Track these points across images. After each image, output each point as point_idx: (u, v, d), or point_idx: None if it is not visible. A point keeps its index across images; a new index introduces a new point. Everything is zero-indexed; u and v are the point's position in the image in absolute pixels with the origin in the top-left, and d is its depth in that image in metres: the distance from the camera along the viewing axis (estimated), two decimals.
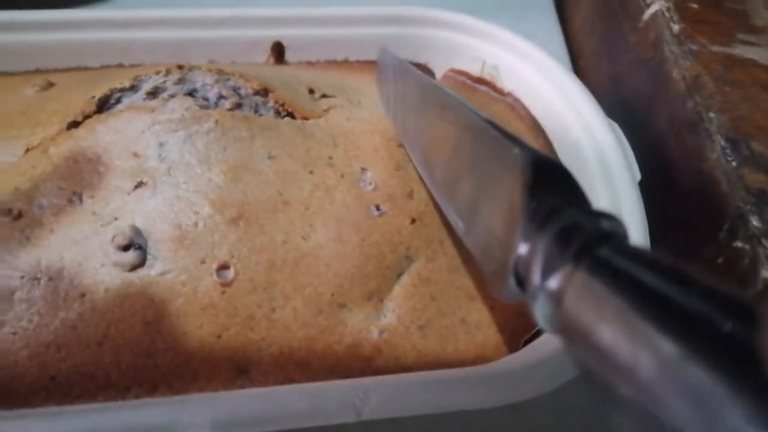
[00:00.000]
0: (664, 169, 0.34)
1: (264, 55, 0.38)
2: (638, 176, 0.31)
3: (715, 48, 0.35)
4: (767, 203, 0.27)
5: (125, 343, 0.25)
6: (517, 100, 0.37)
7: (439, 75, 0.39)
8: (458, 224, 0.23)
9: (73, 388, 0.25)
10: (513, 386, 0.24)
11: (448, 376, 0.24)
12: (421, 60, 0.39)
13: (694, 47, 0.35)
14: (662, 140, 0.35)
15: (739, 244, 0.27)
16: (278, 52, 0.37)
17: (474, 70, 0.38)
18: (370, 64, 0.38)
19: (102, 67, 0.37)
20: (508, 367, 0.25)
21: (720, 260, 0.28)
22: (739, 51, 0.35)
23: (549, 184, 0.16)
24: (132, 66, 0.37)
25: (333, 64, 0.38)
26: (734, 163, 0.28)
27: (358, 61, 0.38)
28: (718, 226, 0.29)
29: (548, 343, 0.27)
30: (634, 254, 0.13)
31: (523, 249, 0.16)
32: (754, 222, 0.27)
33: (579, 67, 0.47)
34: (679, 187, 0.32)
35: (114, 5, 0.45)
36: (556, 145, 0.34)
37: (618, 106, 0.41)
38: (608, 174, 0.31)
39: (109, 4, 0.45)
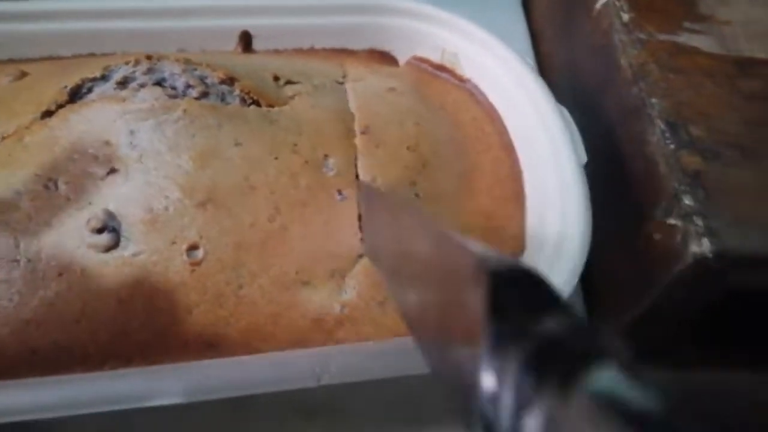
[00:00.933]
0: (612, 152, 0.36)
1: (232, 43, 0.39)
2: (584, 158, 0.33)
3: (662, 36, 0.37)
4: (701, 184, 0.30)
5: (101, 320, 0.27)
6: (475, 86, 0.38)
7: (402, 62, 0.41)
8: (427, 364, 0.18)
9: (53, 362, 0.27)
10: None
11: (400, 344, 0.27)
12: (385, 48, 0.40)
13: (642, 35, 0.37)
14: (611, 124, 0.37)
15: (672, 221, 0.29)
16: (246, 41, 0.39)
17: (435, 57, 0.40)
18: (336, 52, 0.40)
19: (73, 56, 0.38)
20: None
21: (657, 236, 0.31)
22: (685, 39, 0.37)
23: (515, 295, 0.13)
24: (103, 55, 0.38)
25: (300, 52, 0.40)
26: (672, 146, 0.30)
27: (324, 49, 0.40)
28: (655, 205, 0.31)
29: None
30: (636, 378, 0.11)
31: (488, 383, 0.12)
32: (687, 201, 0.29)
33: (540, 53, 0.49)
34: (624, 168, 0.35)
35: None
36: (510, 129, 0.36)
37: (574, 91, 0.43)
38: (557, 157, 0.33)
39: None
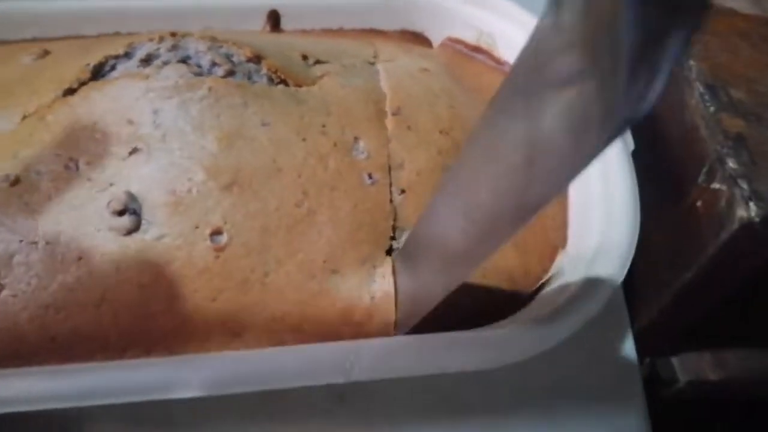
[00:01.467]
0: (651, 121, 0.34)
1: (260, 23, 0.38)
2: (631, 146, 0.31)
3: None
4: (744, 146, 0.28)
5: (122, 306, 0.26)
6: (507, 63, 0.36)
7: (435, 44, 0.39)
8: None
9: (73, 349, 0.26)
10: (498, 350, 0.24)
11: (435, 340, 0.25)
12: (417, 28, 0.39)
13: None
14: None
15: (716, 185, 0.28)
16: (274, 20, 0.37)
17: (471, 38, 0.38)
18: (365, 32, 0.38)
19: (98, 36, 0.37)
20: (494, 333, 0.25)
21: (699, 204, 0.29)
22: (720, 0, 0.35)
23: None
24: (128, 34, 0.37)
25: (328, 32, 0.38)
26: (712, 109, 0.29)
27: (353, 30, 0.38)
28: (698, 171, 0.29)
29: (538, 308, 0.28)
30: None
31: None
32: (731, 164, 0.27)
33: None
34: (665, 136, 0.33)
35: None
36: None
37: None
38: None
39: None
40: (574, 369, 0.32)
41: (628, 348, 0.33)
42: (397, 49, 0.36)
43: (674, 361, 0.40)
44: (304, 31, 0.38)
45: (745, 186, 0.27)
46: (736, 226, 0.27)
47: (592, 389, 0.32)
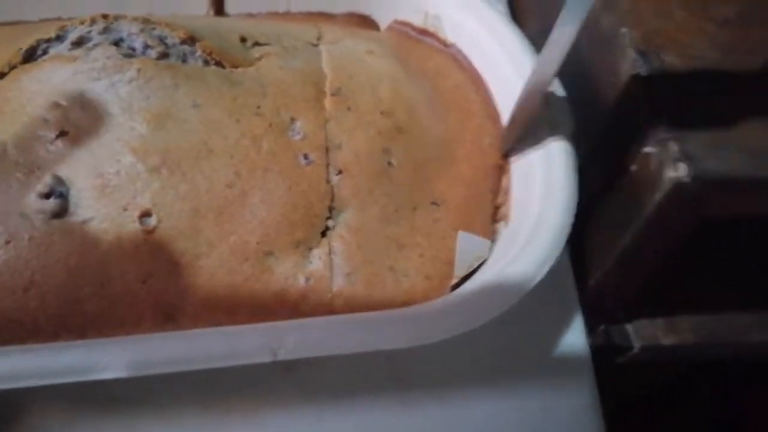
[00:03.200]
0: (588, 89, 0.34)
1: (204, 6, 0.37)
2: (572, 126, 0.31)
3: None
4: (675, 110, 0.28)
5: (51, 289, 0.26)
6: (459, 51, 0.36)
7: (383, 26, 0.39)
8: None
9: (2, 333, 0.26)
10: (424, 328, 0.24)
11: (362, 319, 0.25)
12: (364, 11, 0.38)
13: None
14: (584, 61, 0.35)
15: (648, 149, 0.28)
16: (217, 3, 0.37)
17: (417, 21, 0.37)
18: (312, 15, 0.38)
19: (40, 21, 0.37)
20: (421, 311, 0.25)
21: (634, 168, 0.29)
22: None
23: None
24: (69, 19, 0.36)
25: (275, 15, 0.38)
26: (644, 74, 0.29)
27: (300, 12, 0.38)
28: (632, 135, 0.30)
29: (470, 288, 0.28)
30: None
31: None
32: (661, 127, 0.28)
33: None
34: (601, 104, 0.33)
35: None
36: (495, 96, 0.34)
37: (546, 31, 0.40)
38: (542, 125, 0.31)
39: None
40: (521, 340, 0.32)
41: (576, 317, 0.33)
42: (343, 32, 0.36)
43: (628, 327, 0.40)
44: (249, 15, 0.38)
45: (675, 147, 0.27)
46: (667, 186, 0.27)
47: (539, 360, 0.32)
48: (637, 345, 0.38)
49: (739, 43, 0.31)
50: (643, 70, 0.29)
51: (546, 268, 0.27)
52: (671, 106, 0.28)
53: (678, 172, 0.26)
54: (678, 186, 0.26)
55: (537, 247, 0.27)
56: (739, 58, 0.30)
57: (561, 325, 0.32)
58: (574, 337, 0.32)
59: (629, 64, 0.29)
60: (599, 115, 0.32)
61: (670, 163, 0.26)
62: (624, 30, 0.30)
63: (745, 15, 0.32)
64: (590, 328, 0.38)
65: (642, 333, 0.38)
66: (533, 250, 0.27)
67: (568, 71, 0.32)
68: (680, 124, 0.28)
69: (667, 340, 0.38)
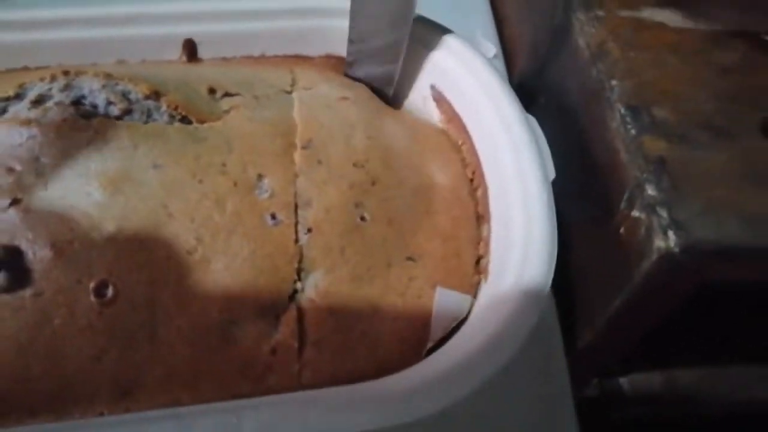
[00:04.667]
0: (577, 142, 0.33)
1: (176, 52, 0.36)
2: (552, 174, 0.29)
3: (624, 12, 0.33)
4: (665, 171, 0.26)
5: (1, 368, 0.24)
6: (439, 93, 0.35)
7: None
8: None
9: None
10: (396, 408, 0.23)
11: (330, 395, 0.23)
12: (342, 53, 0.37)
13: (601, 12, 0.33)
14: (575, 111, 0.33)
15: (636, 213, 0.26)
16: (190, 49, 0.36)
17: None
18: (287, 59, 0.36)
19: (7, 71, 0.36)
20: (393, 387, 0.24)
21: (622, 231, 0.28)
22: (649, 14, 0.33)
23: None
24: (37, 68, 0.35)
25: (249, 59, 0.36)
26: (633, 132, 0.27)
27: (275, 56, 0.37)
28: (621, 197, 0.28)
29: (448, 354, 0.26)
30: None
31: None
32: (650, 191, 0.26)
33: (504, 36, 0.45)
34: (590, 159, 0.31)
35: (14, 4, 0.43)
36: (474, 139, 0.33)
37: (537, 75, 0.39)
38: (522, 173, 0.29)
39: (8, 2, 0.43)
40: (501, 401, 0.30)
41: (562, 377, 0.31)
42: (318, 77, 0.35)
43: (623, 381, 0.38)
44: (224, 59, 0.36)
45: (664, 214, 0.25)
46: (655, 256, 0.25)
47: (521, 422, 0.30)
48: (632, 398, 0.36)
49: (740, 92, 0.29)
50: (632, 126, 0.27)
51: (524, 336, 0.25)
52: (662, 167, 0.26)
53: (667, 242, 0.24)
54: (667, 256, 0.24)
55: (516, 312, 0.25)
56: (740, 109, 0.28)
57: (547, 387, 0.30)
58: (560, 401, 0.30)
59: (618, 120, 0.28)
60: (588, 170, 0.31)
61: (658, 231, 0.24)
62: (614, 82, 0.29)
63: (747, 61, 0.30)
64: (583, 381, 0.36)
65: (638, 387, 0.36)
66: (512, 314, 0.25)
67: (559, 121, 0.30)
68: (672, 186, 0.26)
69: (665, 394, 0.36)
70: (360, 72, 0.35)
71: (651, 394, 0.38)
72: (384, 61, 0.33)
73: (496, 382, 0.30)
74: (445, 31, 0.34)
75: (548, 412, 0.31)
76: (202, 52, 0.36)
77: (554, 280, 0.31)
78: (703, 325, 0.36)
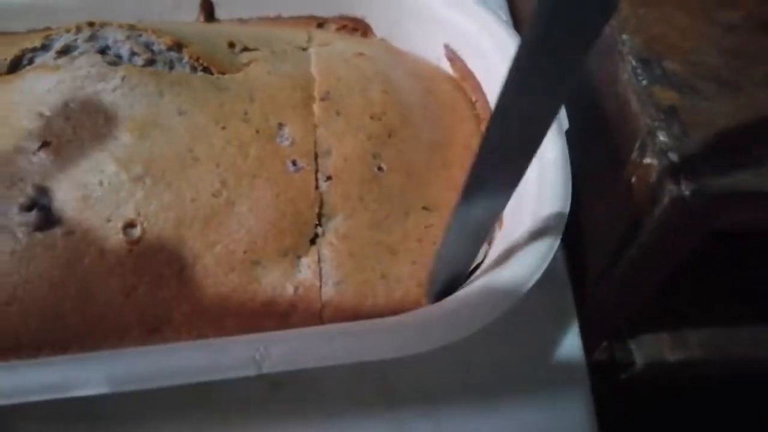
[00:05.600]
0: (590, 97, 0.33)
1: (194, 13, 0.37)
2: (565, 125, 0.30)
3: None
4: (676, 119, 0.27)
5: (33, 304, 0.25)
6: (453, 52, 0.35)
7: (376, 28, 0.38)
8: None
9: None
10: (415, 338, 0.24)
11: (350, 329, 0.24)
12: (357, 14, 0.38)
13: None
14: (587, 69, 0.34)
15: (648, 160, 0.27)
16: (207, 9, 0.36)
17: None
18: (303, 19, 0.37)
19: (29, 32, 0.36)
20: (410, 319, 0.24)
21: (634, 180, 0.28)
22: None
23: None
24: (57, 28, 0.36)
25: (265, 20, 0.37)
26: (645, 82, 0.28)
27: (291, 17, 0.37)
28: (632, 146, 0.29)
29: (461, 295, 0.27)
30: None
31: None
32: (661, 137, 0.27)
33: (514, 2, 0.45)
34: (601, 112, 0.32)
35: None
36: (488, 96, 0.33)
37: None
38: None
39: None
40: (515, 357, 0.31)
41: (573, 332, 0.32)
42: (334, 35, 0.36)
43: (631, 343, 0.39)
44: (240, 20, 0.37)
45: (675, 159, 0.26)
46: (667, 200, 0.26)
47: (534, 376, 0.31)
48: (640, 361, 0.37)
49: (745, 48, 0.30)
50: (643, 77, 0.28)
51: (537, 275, 0.26)
52: (673, 115, 0.27)
53: (678, 186, 0.25)
54: (679, 199, 0.25)
55: (529, 254, 0.26)
56: (745, 64, 0.29)
57: (558, 341, 0.31)
58: (572, 353, 0.31)
59: (630, 72, 0.28)
60: (599, 123, 0.31)
61: (670, 176, 0.25)
62: (625, 37, 0.29)
63: (752, 19, 0.31)
64: (593, 343, 0.36)
65: (646, 349, 0.36)
66: (525, 256, 0.26)
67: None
68: (682, 132, 0.26)
69: (673, 356, 0.36)
70: None
71: (660, 357, 0.38)
72: None
73: (510, 333, 0.31)
74: None
75: (560, 368, 0.31)
76: (219, 12, 0.37)
77: (566, 234, 0.31)
78: (713, 282, 0.37)
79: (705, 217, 0.27)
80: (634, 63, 0.29)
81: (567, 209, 0.28)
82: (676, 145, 0.27)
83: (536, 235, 0.27)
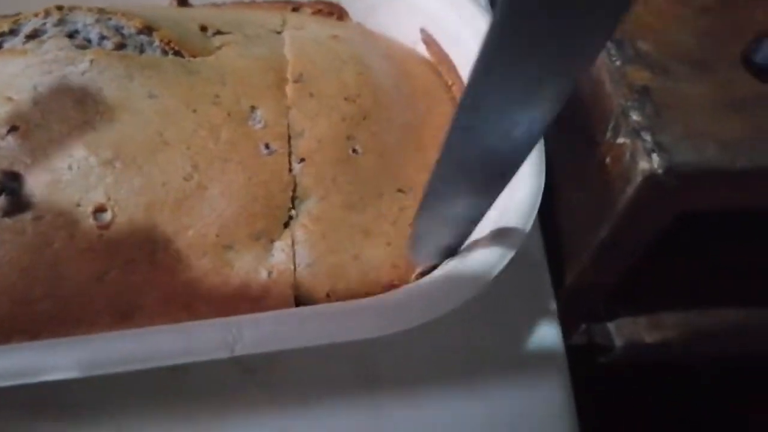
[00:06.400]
0: None
1: None
2: None
3: None
4: (649, 98, 0.28)
5: (2, 291, 0.25)
6: (428, 35, 0.35)
7: (352, 13, 0.38)
8: None
9: None
10: (387, 319, 0.24)
11: (322, 310, 0.24)
12: None
13: None
14: None
15: (621, 140, 0.27)
16: None
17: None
18: (278, 4, 0.37)
19: (1, 17, 0.36)
20: (383, 301, 0.25)
21: (608, 160, 0.28)
22: None
23: None
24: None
25: (240, 4, 0.37)
26: (618, 63, 0.28)
27: (265, 1, 0.37)
28: (606, 126, 0.29)
29: (434, 276, 0.27)
30: None
31: None
32: (635, 117, 0.27)
33: None
34: (576, 92, 0.32)
35: None
36: (464, 79, 0.33)
37: None
38: None
39: None
40: (493, 340, 0.31)
41: (551, 315, 0.32)
42: (309, 18, 0.35)
43: (609, 325, 0.39)
44: (214, 5, 0.37)
45: (648, 138, 0.26)
46: (640, 178, 0.26)
47: (512, 359, 0.31)
48: (618, 343, 0.37)
49: (717, 28, 0.30)
50: (617, 57, 0.28)
51: (510, 255, 0.26)
52: (645, 95, 0.27)
53: (651, 163, 0.25)
54: (651, 177, 0.25)
55: (501, 235, 0.26)
56: (718, 45, 0.29)
57: (536, 323, 0.32)
58: (549, 336, 0.31)
59: (603, 52, 0.28)
60: (573, 104, 0.31)
61: (643, 154, 0.25)
62: None
63: (725, 1, 0.31)
64: (571, 326, 0.37)
65: (624, 331, 0.37)
66: (497, 237, 0.26)
67: None
68: (655, 112, 0.27)
69: (650, 338, 0.37)
70: None
71: (636, 338, 0.39)
72: None
73: (487, 316, 0.31)
74: None
75: (538, 351, 0.32)
76: None
77: (542, 216, 0.31)
78: (687, 264, 0.37)
79: (677, 195, 0.27)
80: (607, 43, 0.29)
81: (541, 189, 0.28)
82: (649, 124, 0.27)
83: (509, 215, 0.27)
